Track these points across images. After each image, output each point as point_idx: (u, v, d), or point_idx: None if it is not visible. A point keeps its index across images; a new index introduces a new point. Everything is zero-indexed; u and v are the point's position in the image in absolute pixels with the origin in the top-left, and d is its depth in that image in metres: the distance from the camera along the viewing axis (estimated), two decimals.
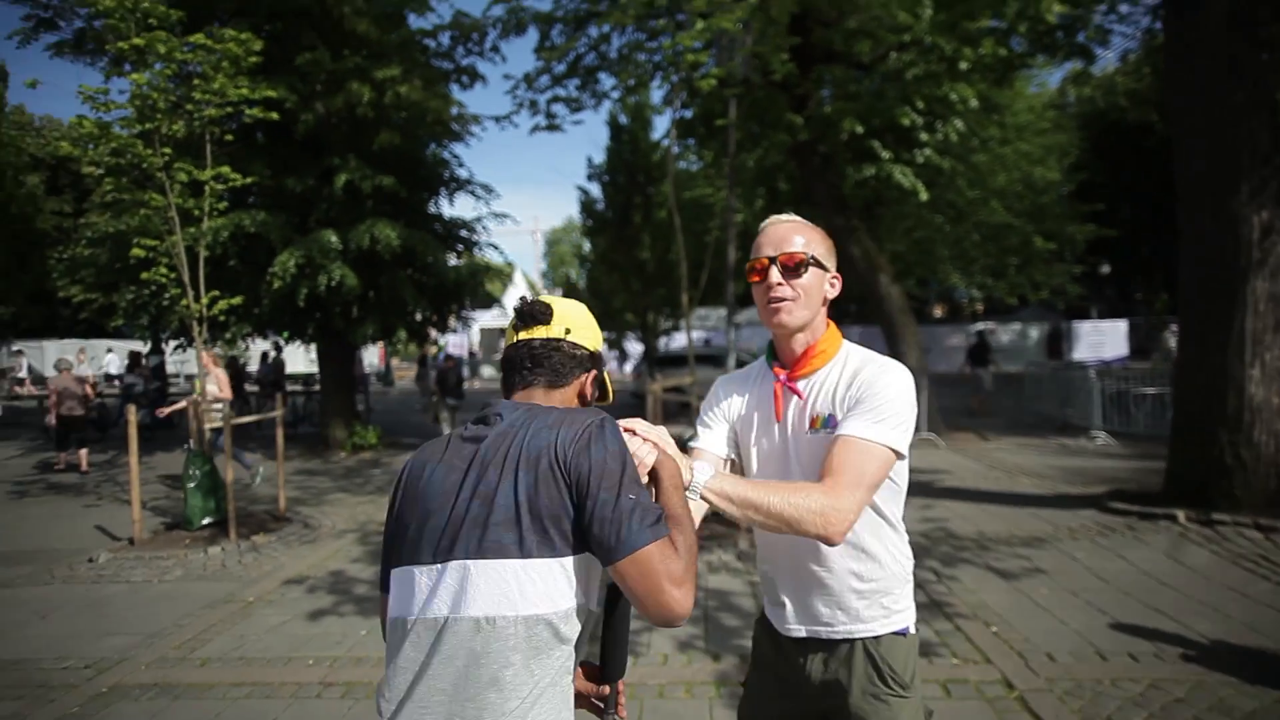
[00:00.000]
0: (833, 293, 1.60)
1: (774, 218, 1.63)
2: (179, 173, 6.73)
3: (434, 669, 1.13)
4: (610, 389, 1.45)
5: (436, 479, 1.23)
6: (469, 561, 1.14)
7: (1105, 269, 28.92)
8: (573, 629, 1.17)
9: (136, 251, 6.81)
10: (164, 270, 6.77)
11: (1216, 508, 5.81)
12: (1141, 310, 28.70)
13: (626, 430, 1.29)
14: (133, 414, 6.52)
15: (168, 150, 6.62)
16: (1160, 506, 6.09)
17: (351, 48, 10.78)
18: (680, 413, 14.96)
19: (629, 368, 22.44)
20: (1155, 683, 3.40)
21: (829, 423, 1.50)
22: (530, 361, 1.35)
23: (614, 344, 20.16)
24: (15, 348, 25.23)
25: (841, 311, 32.04)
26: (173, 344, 12.10)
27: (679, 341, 20.92)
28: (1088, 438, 10.41)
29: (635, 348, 20.81)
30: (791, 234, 1.56)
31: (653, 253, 17.10)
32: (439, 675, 1.13)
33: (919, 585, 4.79)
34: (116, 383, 17.83)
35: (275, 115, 7.71)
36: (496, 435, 1.22)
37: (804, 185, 14.06)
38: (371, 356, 26.05)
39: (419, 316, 12.08)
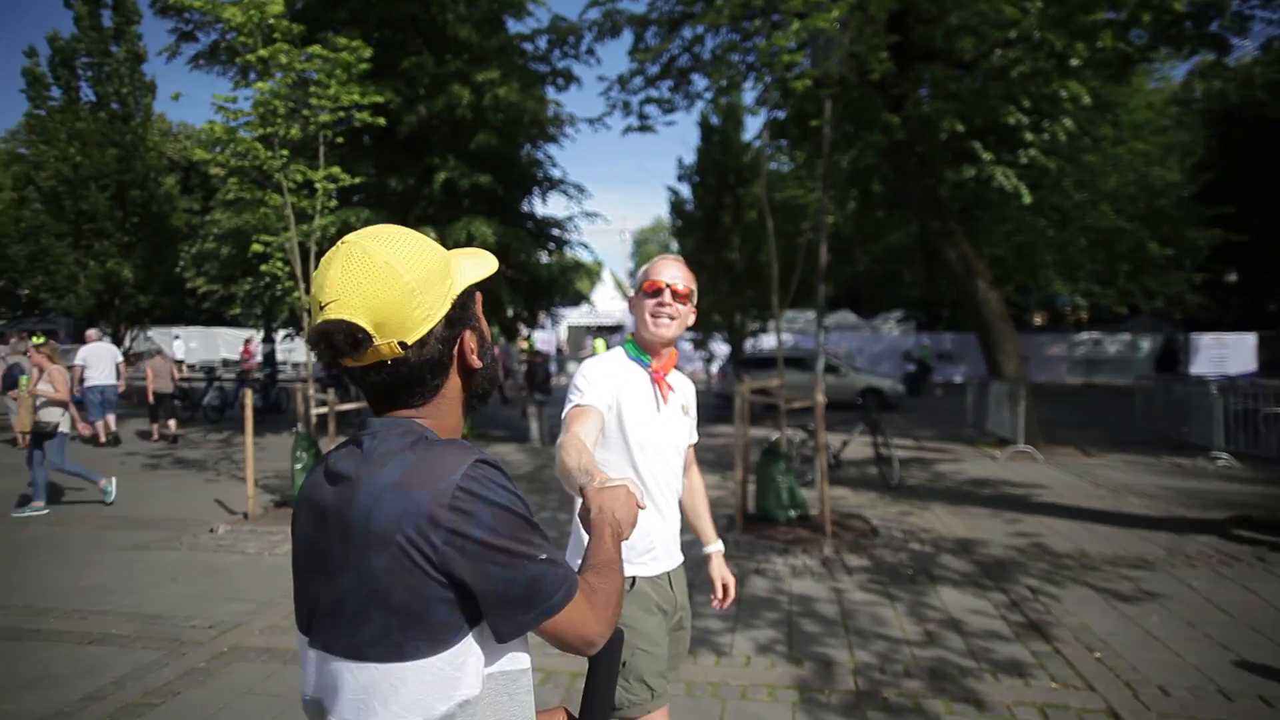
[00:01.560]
0: (690, 322, 2.13)
1: (667, 256, 2.14)
2: (294, 173, 7.18)
3: None
4: (489, 345, 1.10)
5: (300, 526, 1.01)
6: (322, 653, 0.95)
7: (1232, 277, 26.78)
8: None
9: (256, 247, 7.31)
10: (279, 263, 7.24)
11: None
12: (1275, 321, 26.38)
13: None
14: (249, 398, 6.99)
15: (285, 152, 7.07)
16: None
17: (453, 52, 11.22)
18: (765, 414, 14.82)
19: (715, 368, 22.38)
20: None
21: (686, 411, 2.14)
22: (387, 389, 1.00)
23: (700, 344, 20.14)
24: (149, 334, 27.50)
25: (934, 316, 30.89)
26: (282, 333, 12.88)
27: (765, 343, 20.72)
28: (1207, 458, 9.68)
29: (721, 349, 20.73)
30: (683, 272, 2.07)
31: (741, 254, 16.98)
32: None
33: (1015, 603, 4.60)
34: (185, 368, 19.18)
35: (383, 120, 8.11)
36: (344, 485, 0.95)
37: (899, 187, 13.66)
38: None
39: (511, 312, 12.45)
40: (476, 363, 1.05)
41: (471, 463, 0.91)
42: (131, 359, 22.09)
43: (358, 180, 8.08)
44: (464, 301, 1.03)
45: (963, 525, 6.56)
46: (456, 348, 1.03)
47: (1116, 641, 4.00)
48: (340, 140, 8.24)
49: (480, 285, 1.07)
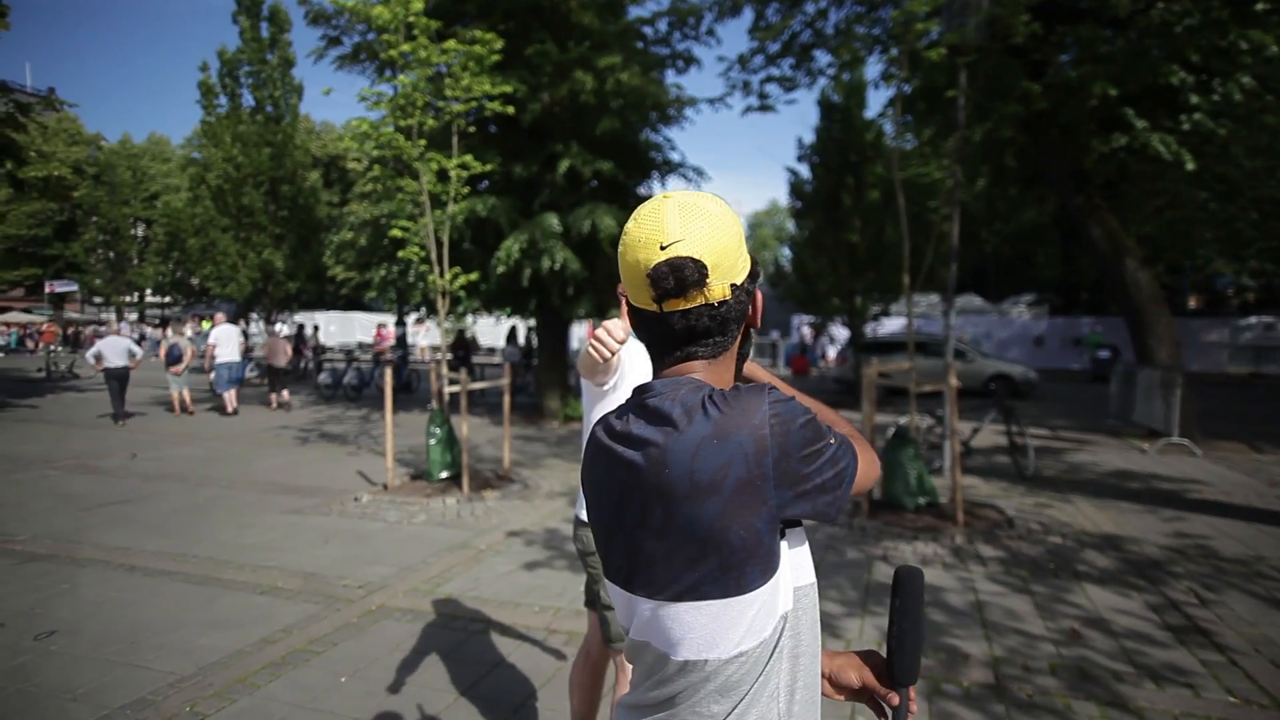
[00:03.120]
0: None
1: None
2: (431, 162, 7.56)
3: (650, 691, 1.04)
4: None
5: (603, 496, 1.06)
6: (652, 601, 1.01)
7: None
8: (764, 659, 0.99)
9: (394, 232, 7.76)
10: (416, 249, 7.66)
11: None
12: None
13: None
14: (388, 377, 7.47)
15: (423, 142, 7.46)
16: None
17: (576, 39, 11.41)
18: (888, 400, 14.30)
19: (833, 352, 21.83)
20: None
21: None
22: (687, 338, 1.05)
23: (820, 328, 19.68)
24: (296, 318, 29.86)
25: (1071, 300, 28.70)
26: (413, 316, 13.63)
27: (886, 327, 19.97)
28: None
29: (841, 332, 20.17)
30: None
31: (863, 235, 16.41)
32: (655, 698, 1.04)
33: (1173, 604, 4.25)
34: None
35: (511, 109, 8.40)
36: (651, 449, 0.99)
37: (1036, 161, 12.75)
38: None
39: None
40: (757, 319, 1.12)
41: (768, 400, 0.97)
42: (315, 347, 24.15)
43: (489, 168, 8.40)
44: (750, 288, 1.08)
45: (1109, 520, 6.10)
46: (752, 302, 1.09)
47: None
48: (472, 129, 8.60)
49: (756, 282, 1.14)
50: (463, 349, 14.94)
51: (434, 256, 7.53)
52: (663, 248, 1.00)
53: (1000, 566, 4.98)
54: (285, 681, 3.37)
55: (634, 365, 2.45)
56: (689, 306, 1.03)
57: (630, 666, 2.11)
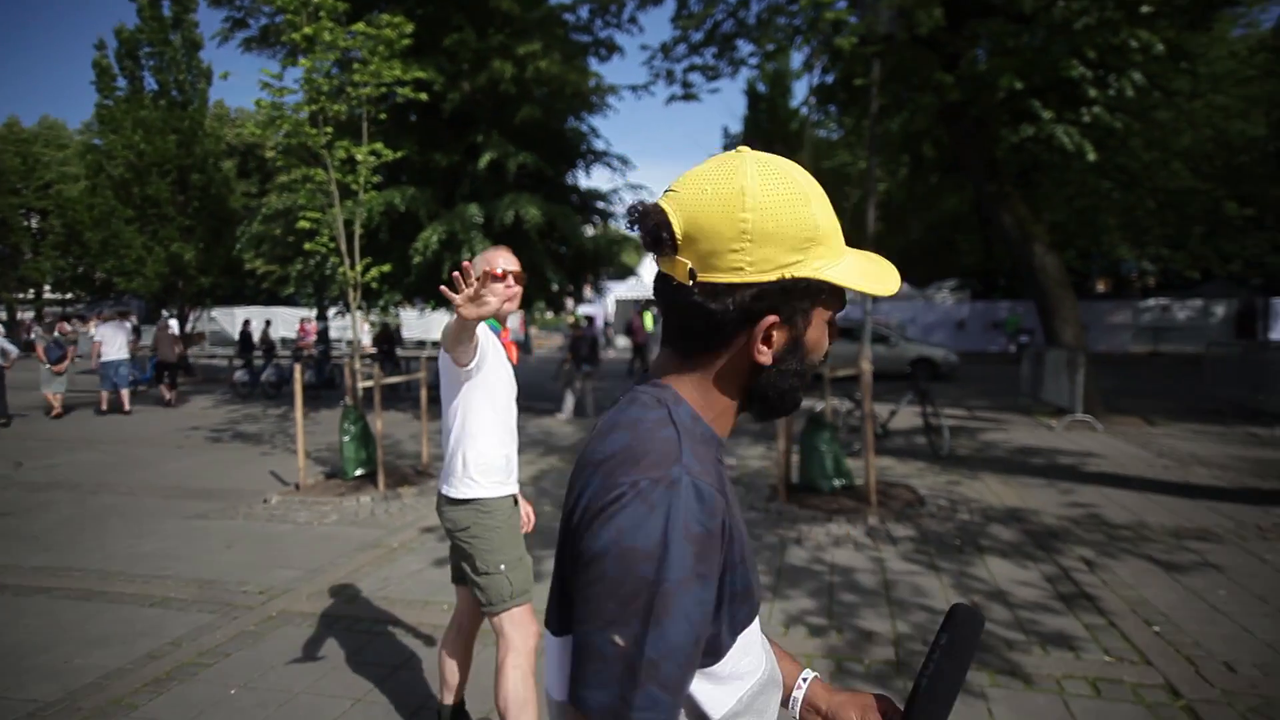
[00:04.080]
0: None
1: (499, 246, 2.66)
2: (339, 150, 7.27)
3: None
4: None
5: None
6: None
7: None
8: None
9: (302, 224, 7.47)
10: (325, 240, 7.37)
11: None
12: None
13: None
14: (299, 373, 7.18)
15: (329, 130, 7.17)
16: None
17: (495, 26, 11.17)
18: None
19: None
20: None
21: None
22: (670, 319, 0.87)
23: None
24: (213, 314, 28.53)
25: (990, 285, 29.86)
26: (332, 310, 13.18)
27: None
28: None
29: None
30: (515, 259, 2.58)
31: None
32: None
33: (1066, 573, 4.44)
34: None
35: (424, 96, 8.16)
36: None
37: (952, 151, 13.15)
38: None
39: (555, 287, 12.47)
40: (762, 357, 0.83)
41: (663, 470, 0.75)
42: (196, 338, 22.95)
43: (399, 155, 8.14)
44: (796, 290, 0.82)
45: (1014, 495, 6.35)
46: (749, 328, 0.83)
47: (1178, 615, 3.82)
48: (383, 117, 8.32)
49: (834, 296, 0.86)
50: (386, 342, 14.53)
51: (344, 247, 7.26)
52: (667, 190, 0.85)
53: (911, 545, 5.12)
54: (168, 699, 3.18)
55: (490, 354, 2.48)
56: (662, 271, 0.85)
57: (511, 629, 2.47)
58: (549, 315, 16.20)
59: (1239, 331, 20.83)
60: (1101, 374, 10.69)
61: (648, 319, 18.39)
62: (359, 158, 7.31)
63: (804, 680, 1.04)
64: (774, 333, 0.83)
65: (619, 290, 30.87)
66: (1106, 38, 9.65)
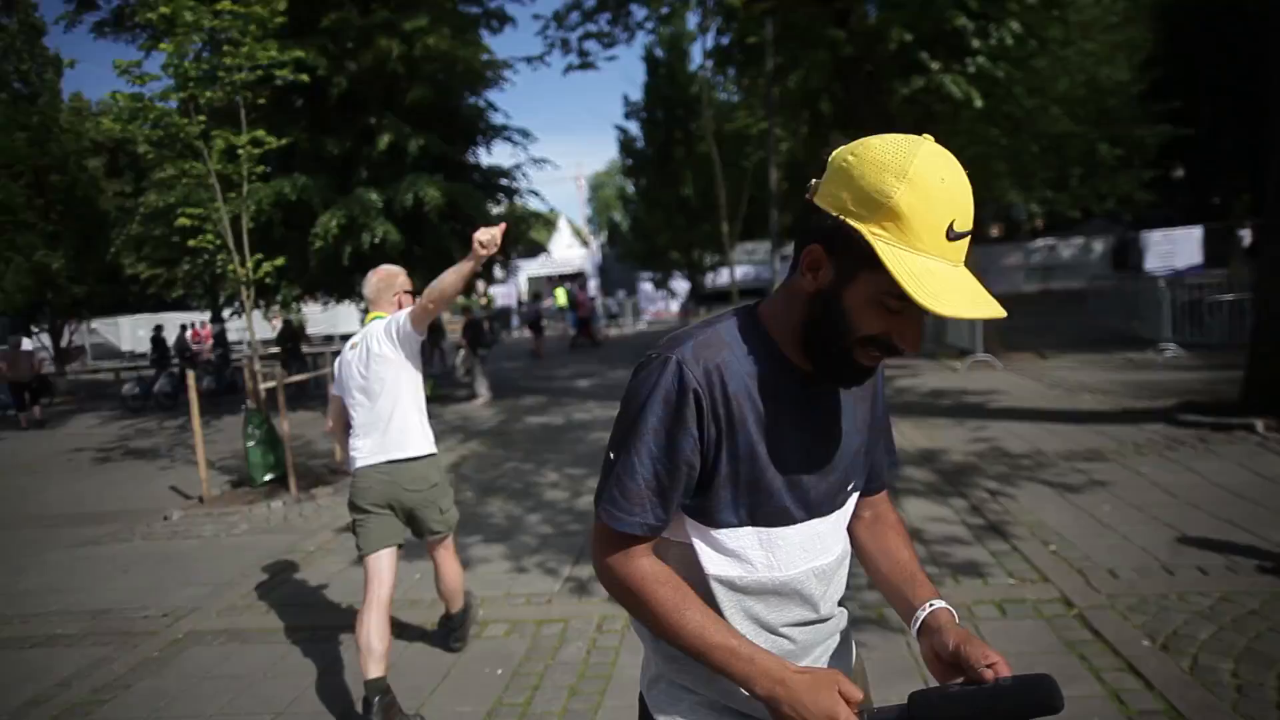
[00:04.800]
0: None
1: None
2: (216, 140, 6.79)
3: None
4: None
5: None
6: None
7: (1179, 173, 27.07)
8: None
9: (182, 220, 6.97)
10: (210, 237, 6.91)
11: None
12: (1219, 214, 26.83)
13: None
14: (192, 380, 6.76)
15: (203, 118, 6.67)
16: (1236, 416, 5.74)
17: (379, 1, 10.63)
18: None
19: (675, 306, 22.27)
20: (1227, 595, 3.24)
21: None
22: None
23: (660, 283, 19.99)
24: (93, 325, 26.54)
25: None
26: (228, 311, 12.47)
27: (725, 277, 20.63)
28: (1156, 351, 9.89)
29: (682, 285, 20.59)
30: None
31: (695, 188, 16.72)
32: None
33: (974, 506, 4.66)
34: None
35: (305, 77, 7.71)
36: None
37: (849, 106, 13.42)
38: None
39: None
40: (805, 281, 0.98)
41: (668, 354, 1.01)
42: (74, 353, 21.28)
43: (285, 142, 7.67)
44: (842, 236, 0.90)
45: (924, 436, 6.63)
46: (807, 253, 0.97)
47: (1070, 533, 4.07)
48: (262, 101, 7.81)
49: (883, 275, 0.87)
50: (291, 340, 13.86)
51: (231, 243, 6.82)
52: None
53: None
54: None
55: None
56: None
57: (379, 574, 2.97)
58: (458, 298, 15.79)
59: (1116, 265, 22.32)
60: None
61: (560, 294, 18.26)
62: (239, 147, 6.85)
63: (930, 605, 1.10)
64: (821, 266, 0.95)
65: (530, 267, 30.41)
66: None
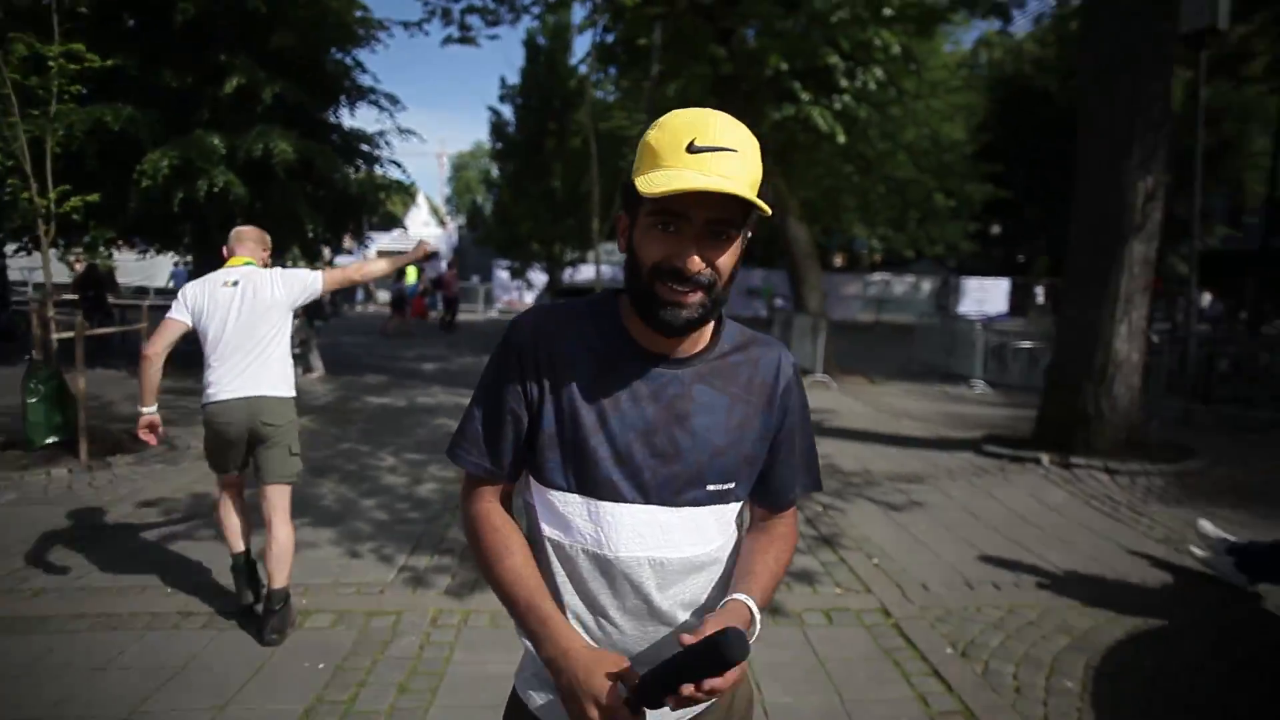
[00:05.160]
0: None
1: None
2: (15, 44, 5.84)
3: None
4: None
5: None
6: None
7: (996, 229, 30.47)
8: None
9: None
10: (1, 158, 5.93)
11: (1075, 452, 6.24)
12: (1023, 270, 30.49)
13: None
14: None
15: None
16: (1028, 450, 6.49)
17: None
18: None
19: (530, 298, 22.01)
20: (1013, 608, 3.63)
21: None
22: None
23: (518, 273, 19.65)
24: None
25: (750, 256, 32.47)
26: (12, 246, 10.79)
27: (584, 274, 20.63)
28: (968, 386, 11.02)
29: (539, 277, 20.37)
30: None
31: (564, 182, 16.59)
32: None
33: (809, 520, 4.92)
34: None
35: None
36: None
37: None
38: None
39: (312, 233, 11.26)
40: (620, 246, 1.12)
41: (531, 312, 1.19)
42: None
43: (109, 64, 6.72)
44: (625, 192, 1.05)
45: None
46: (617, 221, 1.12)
47: (891, 548, 4.41)
48: (84, 9, 6.83)
49: (655, 202, 1.00)
50: (93, 287, 12.20)
51: (28, 168, 5.88)
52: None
53: None
54: None
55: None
56: None
57: (232, 485, 3.40)
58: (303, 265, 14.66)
59: (938, 305, 24.70)
60: (837, 339, 12.05)
61: (410, 272, 17.49)
62: (50, 58, 5.92)
63: (733, 597, 1.09)
64: (623, 227, 1.08)
65: (383, 241, 28.84)
66: (856, 33, 10.70)
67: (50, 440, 5.80)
